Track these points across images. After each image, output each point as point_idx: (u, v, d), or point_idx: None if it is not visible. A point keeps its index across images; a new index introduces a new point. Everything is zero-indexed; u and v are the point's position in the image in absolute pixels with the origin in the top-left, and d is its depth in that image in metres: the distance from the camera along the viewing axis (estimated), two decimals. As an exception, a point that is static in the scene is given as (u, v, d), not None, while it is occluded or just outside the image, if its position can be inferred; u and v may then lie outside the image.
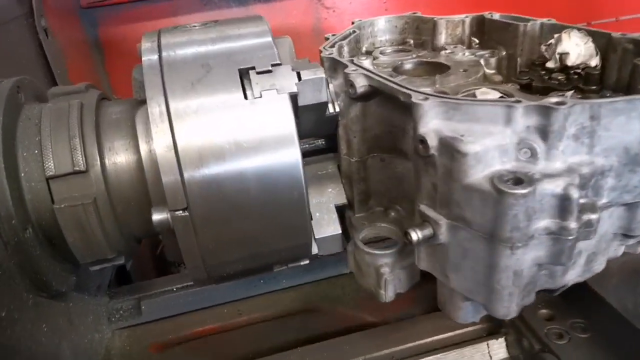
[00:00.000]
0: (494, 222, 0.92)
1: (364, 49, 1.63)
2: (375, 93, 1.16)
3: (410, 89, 1.02)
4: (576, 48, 1.26)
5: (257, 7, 2.46)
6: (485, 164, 0.93)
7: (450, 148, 0.93)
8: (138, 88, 1.15)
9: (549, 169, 0.93)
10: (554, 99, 0.91)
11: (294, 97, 1.08)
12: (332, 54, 1.29)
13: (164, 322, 1.75)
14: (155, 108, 1.03)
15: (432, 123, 0.98)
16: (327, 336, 1.84)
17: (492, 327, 1.49)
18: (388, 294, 1.23)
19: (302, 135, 1.07)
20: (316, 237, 1.24)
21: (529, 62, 1.44)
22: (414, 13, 1.66)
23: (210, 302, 1.76)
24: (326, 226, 1.26)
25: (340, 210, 1.30)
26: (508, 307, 1.01)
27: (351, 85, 1.16)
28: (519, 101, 0.92)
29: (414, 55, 1.49)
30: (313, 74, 1.09)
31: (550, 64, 1.32)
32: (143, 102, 1.11)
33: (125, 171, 1.14)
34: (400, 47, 1.64)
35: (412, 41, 1.65)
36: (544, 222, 0.93)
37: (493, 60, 1.40)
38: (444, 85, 1.25)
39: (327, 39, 1.46)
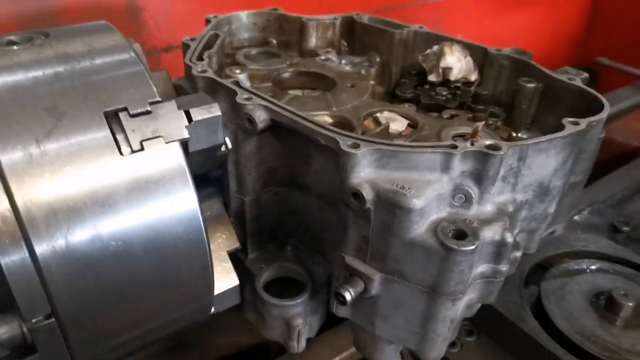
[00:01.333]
0: (438, 277, 0.85)
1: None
2: (276, 126, 0.97)
3: (335, 131, 0.87)
4: (458, 63, 1.25)
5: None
6: (426, 216, 0.84)
7: (391, 203, 0.82)
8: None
9: (481, 213, 0.89)
10: (487, 142, 0.86)
11: (184, 145, 0.83)
12: (206, 70, 1.05)
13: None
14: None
15: (365, 172, 0.85)
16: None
17: None
18: (301, 344, 1.10)
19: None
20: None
21: (403, 71, 1.40)
22: (275, 9, 1.47)
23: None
24: (222, 279, 1.05)
25: (233, 255, 1.11)
26: (440, 351, 0.98)
27: (249, 119, 0.95)
28: (454, 146, 0.85)
29: (288, 63, 1.32)
30: (207, 112, 0.86)
31: (432, 77, 1.29)
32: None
33: None
34: (263, 48, 1.45)
35: (274, 40, 1.47)
36: (481, 268, 0.90)
37: (373, 71, 1.32)
38: (340, 107, 1.13)
39: (186, 45, 1.19)
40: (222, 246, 1.09)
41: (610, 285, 1.37)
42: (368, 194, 0.83)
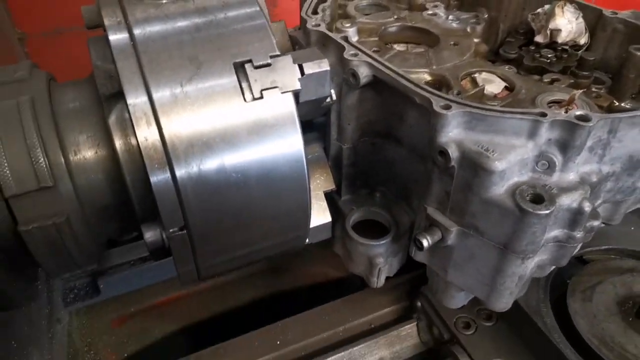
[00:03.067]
0: (511, 236, 0.93)
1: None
2: (378, 82, 1.07)
3: (429, 91, 0.95)
4: (568, 25, 1.23)
5: None
6: (506, 178, 0.91)
7: (474, 164, 0.90)
8: (103, 79, 0.95)
9: (563, 181, 0.93)
10: (577, 112, 0.89)
11: (296, 95, 0.96)
12: (319, 25, 1.15)
13: (123, 296, 1.66)
14: (139, 112, 0.86)
15: (453, 133, 0.93)
16: (294, 294, 1.86)
17: (403, 314, 1.44)
18: (380, 280, 1.24)
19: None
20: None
21: (511, 29, 1.40)
22: (389, -39, 1.50)
23: (171, 273, 1.67)
24: (317, 215, 1.20)
25: (328, 195, 1.25)
26: (507, 302, 1.07)
27: (353, 74, 1.05)
28: (544, 114, 0.89)
29: (395, 17, 1.38)
30: (317, 67, 0.97)
31: (539, 38, 1.28)
32: (114, 97, 0.94)
33: (98, 178, 0.97)
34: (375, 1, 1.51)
35: (384, -7, 1.51)
36: (554, 232, 0.96)
37: (479, 28, 1.34)
38: (441, 65, 1.18)
39: (303, -2, 1.29)
40: (319, 186, 1.24)
41: None
42: (454, 152, 0.91)
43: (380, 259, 1.19)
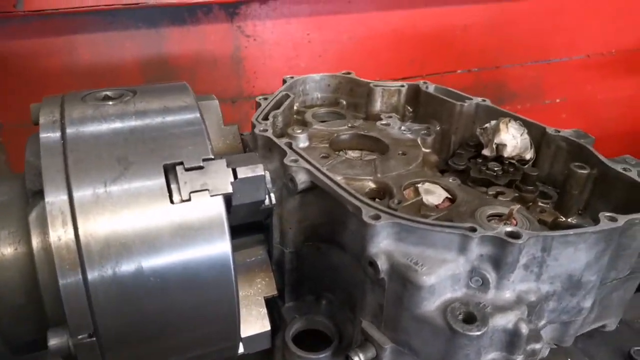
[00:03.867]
0: (444, 356, 0.87)
1: (295, 108, 1.52)
2: (316, 188, 1.06)
3: (361, 200, 0.94)
4: (513, 140, 1.26)
5: (170, 30, 2.24)
6: (438, 294, 0.87)
7: (403, 277, 0.86)
8: (32, 175, 0.94)
9: (499, 299, 0.89)
10: (508, 228, 0.88)
11: (227, 199, 0.94)
12: (266, 130, 1.17)
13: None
14: (56, 211, 0.84)
15: (383, 243, 0.90)
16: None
17: None
18: (320, 397, 1.15)
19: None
20: (243, 336, 1.11)
21: (462, 141, 1.43)
22: (348, 73, 1.58)
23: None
24: (254, 323, 1.14)
25: (270, 302, 1.19)
26: None
27: (291, 180, 1.05)
28: (473, 229, 0.88)
29: (349, 125, 1.41)
30: (251, 171, 0.97)
31: (486, 152, 1.31)
32: (39, 194, 0.92)
33: (13, 275, 0.93)
34: (332, 108, 1.56)
35: (344, 102, 1.57)
36: (491, 355, 0.90)
37: (429, 139, 1.37)
38: (386, 174, 1.19)
39: (258, 103, 1.33)
40: (260, 291, 1.18)
41: None
42: (383, 264, 0.88)
43: (321, 375, 1.11)
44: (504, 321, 0.86)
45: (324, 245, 1.18)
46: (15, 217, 0.95)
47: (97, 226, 0.85)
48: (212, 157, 0.95)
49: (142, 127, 0.96)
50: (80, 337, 0.86)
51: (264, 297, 1.18)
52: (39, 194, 0.92)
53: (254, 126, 1.21)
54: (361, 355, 0.94)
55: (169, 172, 0.91)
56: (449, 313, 0.85)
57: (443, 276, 0.86)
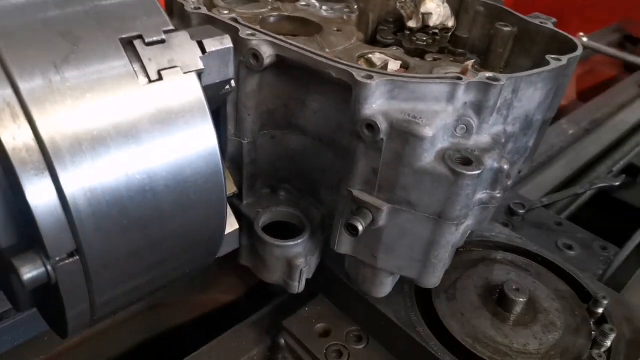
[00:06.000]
0: (445, 203, 0.91)
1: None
2: (279, 63, 0.97)
3: (347, 64, 0.89)
4: (437, 9, 1.30)
5: None
6: (435, 145, 0.89)
7: (405, 133, 0.86)
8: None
9: (480, 143, 0.95)
10: (487, 74, 0.92)
11: (199, 76, 0.81)
12: (199, 9, 1.02)
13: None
14: (2, 105, 0.64)
15: (377, 104, 0.88)
16: (181, 332, 1.63)
17: (268, 355, 1.24)
18: (302, 284, 1.13)
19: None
20: (213, 238, 1.02)
21: (380, 19, 1.43)
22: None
23: (29, 334, 1.33)
24: (222, 224, 1.05)
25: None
26: (439, 277, 1.05)
27: (254, 55, 0.94)
28: (460, 77, 0.90)
29: (269, 8, 1.30)
30: (219, 43, 0.84)
31: (412, 24, 1.33)
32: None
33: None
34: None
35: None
36: (479, 195, 0.97)
37: (354, 17, 1.34)
38: (332, 49, 1.14)
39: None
40: (221, 189, 1.09)
41: (503, 279, 1.21)
42: (382, 124, 0.86)
43: (301, 260, 1.09)
44: (491, 160, 0.92)
45: (279, 133, 1.11)
46: None
47: (60, 118, 0.67)
48: (173, 28, 0.80)
49: (75, -2, 0.76)
50: (59, 258, 0.70)
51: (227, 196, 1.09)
52: None
53: (179, 5, 1.04)
54: (362, 222, 0.93)
55: (126, 48, 0.75)
56: (448, 160, 0.88)
57: (439, 126, 0.88)
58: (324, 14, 1.32)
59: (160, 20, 0.79)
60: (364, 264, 1.09)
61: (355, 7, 1.40)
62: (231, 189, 1.11)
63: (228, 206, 1.07)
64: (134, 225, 0.76)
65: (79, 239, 0.70)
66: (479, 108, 0.92)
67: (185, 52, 0.79)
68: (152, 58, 0.76)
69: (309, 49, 0.93)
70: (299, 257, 1.09)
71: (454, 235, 0.96)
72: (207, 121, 0.80)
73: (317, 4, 1.36)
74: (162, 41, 0.77)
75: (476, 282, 1.24)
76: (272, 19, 1.27)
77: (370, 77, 0.86)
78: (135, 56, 0.75)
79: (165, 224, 0.80)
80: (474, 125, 0.93)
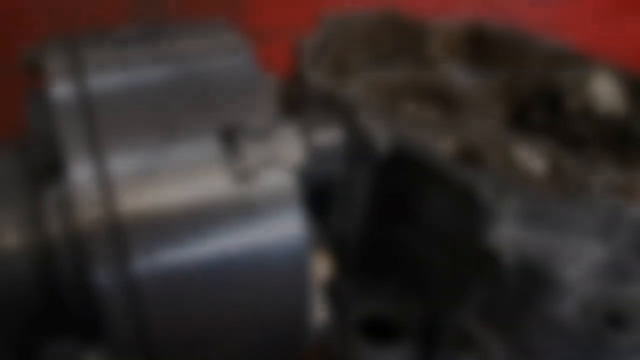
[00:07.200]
0: (579, 365, 0.71)
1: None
2: (397, 152, 0.86)
3: (475, 172, 0.74)
4: (605, 92, 1.07)
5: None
6: (575, 291, 0.70)
7: (537, 272, 0.68)
8: (42, 144, 0.69)
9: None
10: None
11: (299, 172, 0.73)
12: (324, 83, 0.94)
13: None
14: (84, 189, 0.62)
15: (507, 228, 0.71)
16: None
17: None
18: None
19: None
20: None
21: (531, 94, 1.23)
22: (392, 9, 1.33)
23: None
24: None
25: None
26: None
27: (369, 145, 0.84)
28: (621, 206, 0.70)
29: (402, 72, 1.19)
30: (328, 137, 0.75)
31: (571, 105, 1.11)
32: (51, 167, 0.68)
33: (21, 270, 0.70)
34: (374, 52, 1.32)
35: (387, 44, 1.33)
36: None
37: (501, 89, 1.16)
38: (466, 132, 0.99)
39: (299, 47, 1.08)
40: (315, 274, 1.00)
41: None
42: (509, 257, 0.70)
43: (393, 370, 0.95)
44: (651, 322, 0.70)
45: (390, 222, 0.99)
46: (18, 198, 0.71)
47: (139, 207, 0.63)
48: (278, 118, 0.73)
49: (183, 77, 0.72)
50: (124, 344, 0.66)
51: (320, 279, 1.00)
52: (55, 168, 0.69)
53: (303, 75, 0.98)
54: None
55: (226, 139, 0.69)
56: (593, 315, 0.68)
57: (585, 268, 0.69)
58: (464, 82, 1.17)
59: (266, 110, 0.72)
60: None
61: (505, 76, 1.23)
62: (327, 272, 1.01)
63: (321, 294, 0.99)
64: (203, 319, 0.70)
65: (144, 328, 0.65)
66: (645, 250, 0.71)
67: (287, 145, 0.71)
68: (251, 151, 0.69)
69: (432, 145, 0.80)
70: (390, 367, 0.96)
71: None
72: (299, 225, 0.71)
73: (456, 69, 1.21)
74: (265, 133, 0.71)
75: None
76: (401, 86, 1.15)
77: (502, 194, 0.70)
78: (233, 148, 0.69)
79: (238, 317, 0.73)
80: (636, 271, 0.72)
